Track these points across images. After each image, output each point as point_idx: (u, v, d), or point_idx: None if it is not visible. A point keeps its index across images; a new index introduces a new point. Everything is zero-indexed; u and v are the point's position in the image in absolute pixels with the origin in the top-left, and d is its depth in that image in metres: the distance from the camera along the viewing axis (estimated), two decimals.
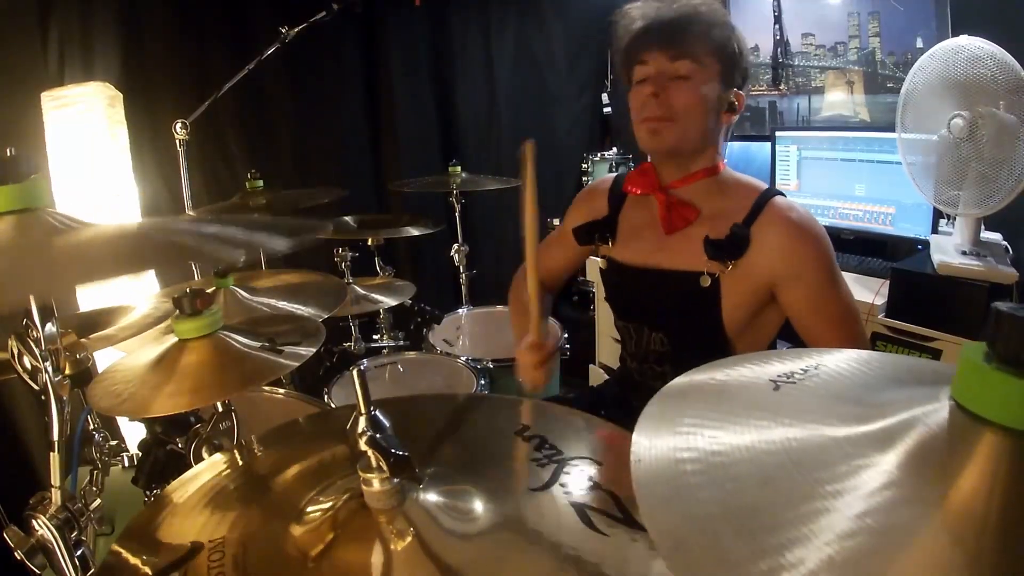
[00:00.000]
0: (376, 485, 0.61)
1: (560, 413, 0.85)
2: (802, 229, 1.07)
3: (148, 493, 1.11)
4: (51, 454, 0.76)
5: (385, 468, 0.60)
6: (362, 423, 0.61)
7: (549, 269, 1.45)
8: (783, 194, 1.13)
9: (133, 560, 0.61)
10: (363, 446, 0.61)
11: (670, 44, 1.08)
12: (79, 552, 0.77)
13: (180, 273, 2.08)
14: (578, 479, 0.68)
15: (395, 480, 0.61)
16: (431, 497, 0.64)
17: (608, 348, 2.72)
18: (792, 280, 1.07)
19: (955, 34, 1.68)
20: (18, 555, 0.75)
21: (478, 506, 0.65)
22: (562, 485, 0.68)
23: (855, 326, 1.10)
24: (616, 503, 0.64)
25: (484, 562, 0.60)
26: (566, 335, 2.02)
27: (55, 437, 0.76)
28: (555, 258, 1.42)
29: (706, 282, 1.10)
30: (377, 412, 0.62)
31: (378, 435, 0.61)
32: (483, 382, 1.73)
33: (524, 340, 1.16)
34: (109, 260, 0.63)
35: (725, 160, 1.18)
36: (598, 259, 1.31)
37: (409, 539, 0.60)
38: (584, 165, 2.99)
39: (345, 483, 0.67)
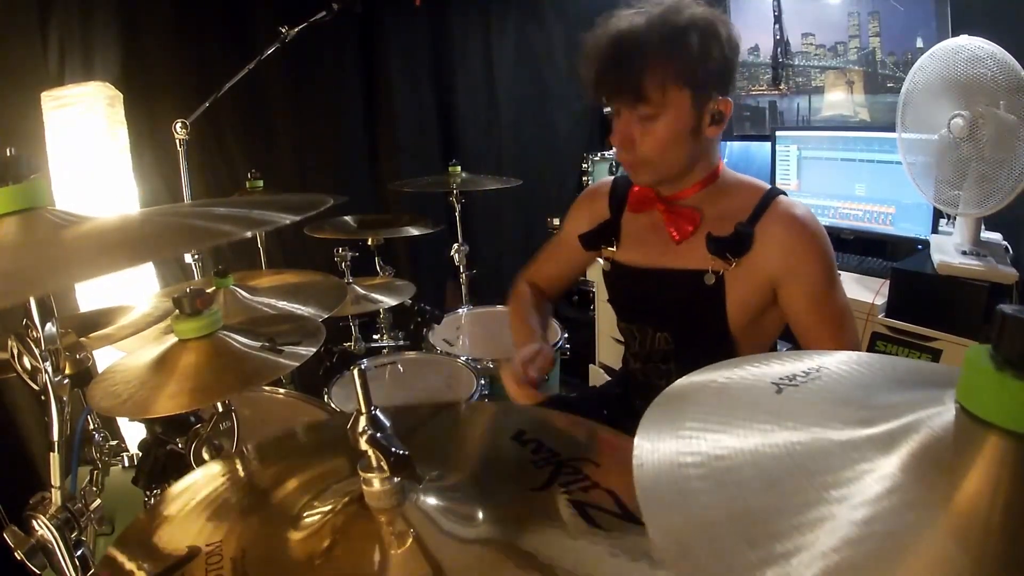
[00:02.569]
0: (376, 484, 0.61)
1: (556, 418, 0.85)
2: (806, 228, 1.08)
3: (148, 493, 1.11)
4: (51, 454, 0.76)
5: (385, 467, 0.60)
6: (362, 422, 0.61)
7: (550, 276, 1.46)
8: (785, 193, 1.13)
9: (129, 565, 0.61)
10: (363, 445, 0.61)
11: (624, 91, 1.04)
12: (79, 552, 0.77)
13: (180, 272, 2.09)
14: (576, 479, 0.69)
15: (395, 479, 0.61)
16: (430, 500, 0.64)
17: (608, 348, 2.71)
18: (793, 278, 1.07)
19: (955, 34, 1.68)
20: (18, 555, 0.75)
21: (477, 509, 0.65)
22: (561, 485, 0.68)
23: (851, 327, 1.11)
24: (615, 501, 0.64)
25: (485, 564, 0.59)
26: (566, 335, 2.01)
27: (55, 437, 0.76)
28: (558, 264, 1.43)
29: (710, 280, 1.10)
30: (377, 411, 0.62)
31: (378, 434, 0.61)
32: (483, 382, 1.73)
33: (514, 358, 1.16)
34: (116, 250, 0.63)
35: (724, 160, 1.18)
36: (600, 260, 1.31)
37: (409, 542, 0.60)
38: (584, 165, 2.99)
39: (344, 486, 0.67)
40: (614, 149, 3.24)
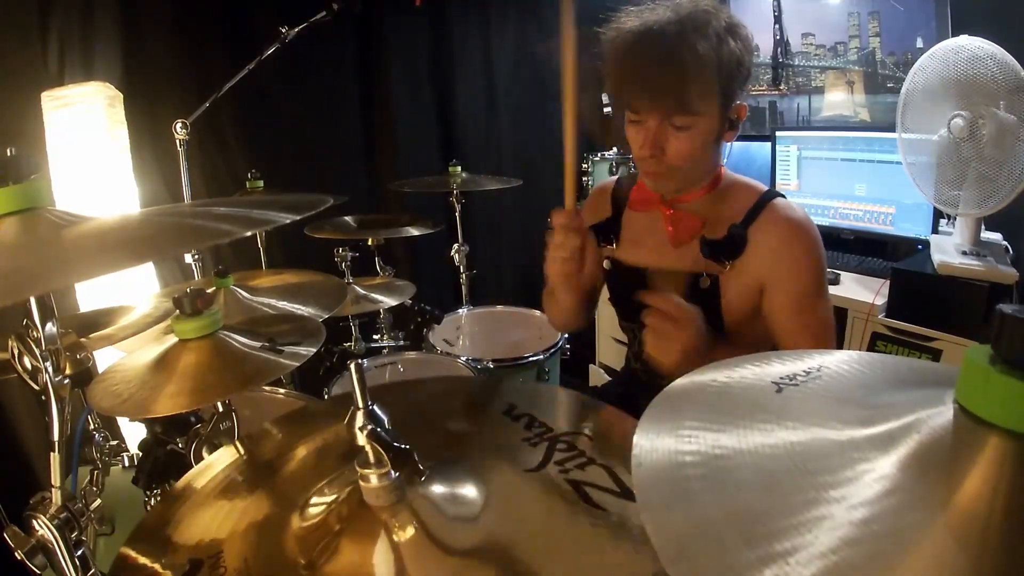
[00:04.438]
0: (375, 481, 0.61)
1: (543, 390, 0.86)
2: (800, 232, 1.07)
3: (148, 493, 1.10)
4: (51, 454, 0.76)
5: (386, 462, 0.60)
6: (360, 418, 0.61)
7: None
8: (784, 196, 1.13)
9: (143, 560, 0.61)
10: (362, 440, 0.60)
11: (666, 98, 0.98)
12: (79, 552, 0.77)
13: (180, 272, 2.09)
14: (571, 455, 0.69)
15: (393, 475, 0.61)
16: (430, 488, 0.64)
17: (608, 348, 2.71)
18: (779, 281, 1.07)
19: (955, 34, 1.68)
20: (18, 555, 0.74)
21: (477, 492, 0.65)
22: (557, 463, 0.68)
23: (829, 338, 1.09)
24: (611, 476, 0.65)
25: (488, 549, 0.60)
26: (566, 335, 2.01)
27: (55, 437, 0.76)
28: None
29: (705, 283, 1.10)
30: (375, 407, 0.62)
31: (378, 428, 0.60)
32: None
33: (557, 216, 1.01)
34: (116, 250, 0.63)
35: (724, 162, 1.17)
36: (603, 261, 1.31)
37: (412, 530, 0.60)
38: (584, 165, 2.99)
39: (349, 475, 0.67)
40: (614, 149, 3.20)
